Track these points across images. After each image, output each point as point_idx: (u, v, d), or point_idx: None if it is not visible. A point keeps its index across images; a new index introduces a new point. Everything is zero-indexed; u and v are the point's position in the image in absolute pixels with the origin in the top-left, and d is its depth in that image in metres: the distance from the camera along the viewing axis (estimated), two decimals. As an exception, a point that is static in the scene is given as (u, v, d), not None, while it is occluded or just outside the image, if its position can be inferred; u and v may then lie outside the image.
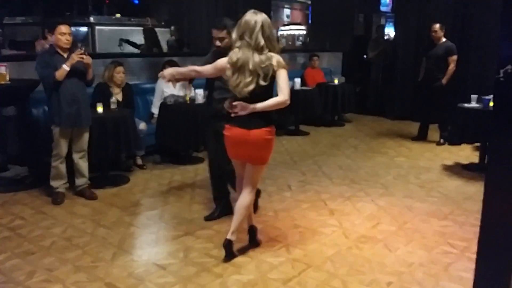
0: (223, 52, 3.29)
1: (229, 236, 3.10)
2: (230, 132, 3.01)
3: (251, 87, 2.86)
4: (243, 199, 3.12)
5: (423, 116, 6.87)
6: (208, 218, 3.81)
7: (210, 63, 3.16)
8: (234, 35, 2.95)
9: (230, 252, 3.14)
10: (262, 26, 2.87)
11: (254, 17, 2.88)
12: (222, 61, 2.99)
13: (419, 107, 7.02)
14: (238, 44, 2.91)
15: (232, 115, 2.90)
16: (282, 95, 2.87)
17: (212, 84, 3.61)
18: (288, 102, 2.89)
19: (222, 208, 3.83)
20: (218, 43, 3.51)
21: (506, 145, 1.63)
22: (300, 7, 12.13)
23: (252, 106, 2.87)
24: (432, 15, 7.62)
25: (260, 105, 2.87)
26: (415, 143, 6.73)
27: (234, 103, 2.88)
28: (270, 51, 2.91)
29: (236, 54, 2.91)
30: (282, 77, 2.89)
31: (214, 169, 3.81)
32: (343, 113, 8.39)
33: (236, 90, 2.90)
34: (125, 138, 4.57)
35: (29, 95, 4.52)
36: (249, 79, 2.86)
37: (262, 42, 2.86)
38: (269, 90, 2.92)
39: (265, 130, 2.96)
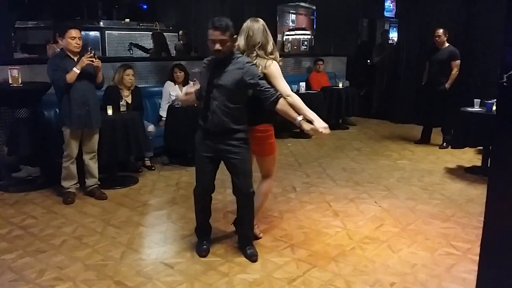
0: (222, 59, 2.92)
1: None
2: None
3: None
4: (261, 187, 3.39)
5: (426, 119, 6.86)
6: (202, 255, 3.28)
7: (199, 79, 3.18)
8: (241, 42, 3.09)
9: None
10: (263, 31, 3.08)
11: (255, 25, 3.09)
12: None
13: (423, 111, 7.00)
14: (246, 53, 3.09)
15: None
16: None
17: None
18: (288, 95, 3.10)
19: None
20: (218, 46, 2.84)
21: (509, 149, 1.64)
22: (305, 13, 12.18)
23: (315, 120, 3.23)
24: (436, 20, 7.65)
25: (310, 114, 3.26)
26: (418, 146, 6.74)
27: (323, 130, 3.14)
28: (265, 54, 3.08)
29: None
30: (272, 77, 3.06)
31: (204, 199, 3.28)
32: (347, 117, 8.38)
33: None
34: (134, 140, 4.62)
35: (41, 97, 4.59)
36: None
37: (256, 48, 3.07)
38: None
39: (257, 129, 3.17)
